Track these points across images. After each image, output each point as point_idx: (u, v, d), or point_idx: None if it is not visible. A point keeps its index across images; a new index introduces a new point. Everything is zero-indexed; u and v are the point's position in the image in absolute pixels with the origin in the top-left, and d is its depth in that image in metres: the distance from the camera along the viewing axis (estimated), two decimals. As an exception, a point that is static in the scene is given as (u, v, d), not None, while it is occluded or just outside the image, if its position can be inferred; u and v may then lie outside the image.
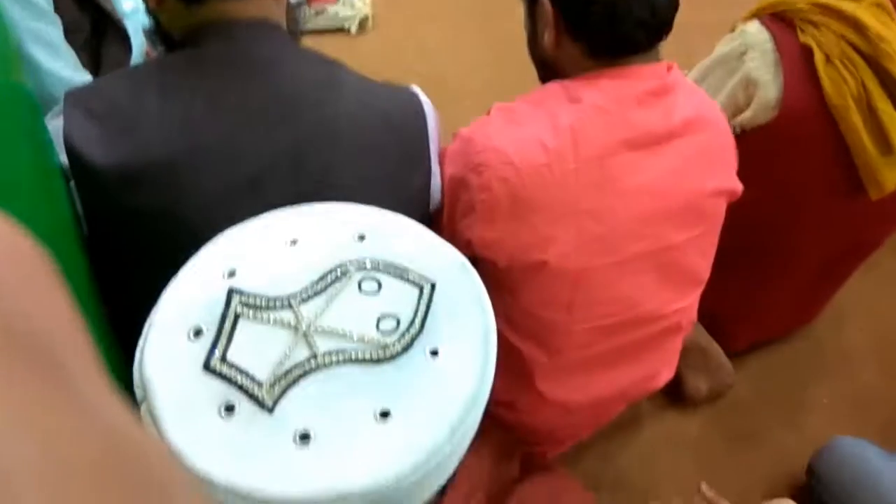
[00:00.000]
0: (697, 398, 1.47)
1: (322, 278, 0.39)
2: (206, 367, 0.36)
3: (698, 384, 1.46)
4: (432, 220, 0.89)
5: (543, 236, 0.83)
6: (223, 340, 0.37)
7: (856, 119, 1.12)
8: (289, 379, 0.36)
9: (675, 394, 1.42)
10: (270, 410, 0.35)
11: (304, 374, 0.36)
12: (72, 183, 0.70)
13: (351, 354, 0.37)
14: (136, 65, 0.72)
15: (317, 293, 0.39)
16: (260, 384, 0.36)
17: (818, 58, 1.11)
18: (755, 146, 1.13)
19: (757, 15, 1.19)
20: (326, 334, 0.37)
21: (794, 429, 1.49)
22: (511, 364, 0.99)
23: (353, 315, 0.38)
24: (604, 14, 0.81)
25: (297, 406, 0.35)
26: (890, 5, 1.11)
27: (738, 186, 0.96)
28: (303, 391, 0.36)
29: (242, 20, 0.71)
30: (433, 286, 0.40)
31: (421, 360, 0.38)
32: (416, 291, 0.40)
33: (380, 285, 0.40)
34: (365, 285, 0.40)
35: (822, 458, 1.27)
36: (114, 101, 0.69)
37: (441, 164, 0.89)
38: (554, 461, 1.20)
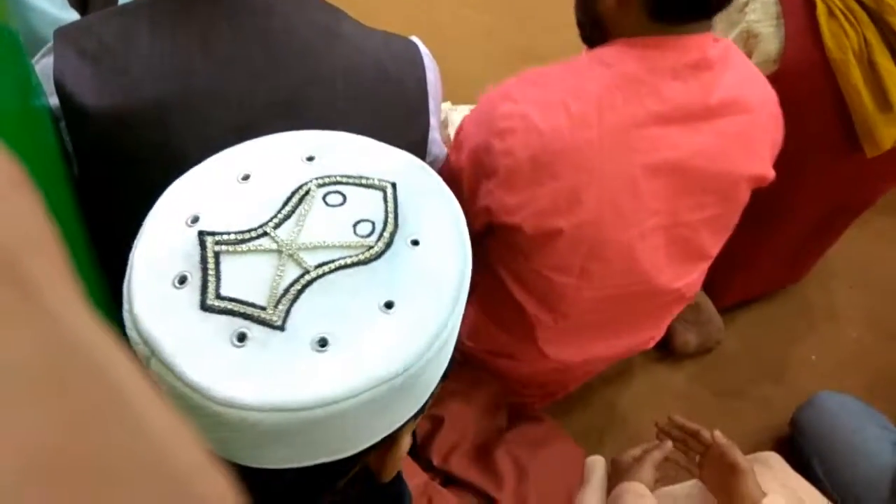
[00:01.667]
0: (686, 352, 1.49)
1: (286, 202, 0.40)
2: (204, 307, 0.36)
3: (688, 338, 1.48)
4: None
5: (562, 204, 0.82)
6: (212, 279, 0.37)
7: (855, 74, 1.10)
8: (289, 296, 0.37)
9: (664, 347, 1.44)
10: (282, 328, 0.36)
11: (303, 288, 0.37)
12: (62, 123, 0.69)
13: (340, 261, 0.38)
14: (126, 3, 0.70)
15: (286, 217, 0.40)
16: (263, 308, 0.36)
17: (820, 10, 1.09)
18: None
19: (760, -35, 1.16)
20: (310, 250, 0.39)
21: (780, 384, 1.51)
22: (516, 321, 1.00)
23: (329, 227, 0.39)
24: None
25: (306, 318, 0.36)
26: (894, -43, 1.09)
27: (770, 174, 0.94)
28: (306, 304, 0.37)
29: None
30: (394, 185, 0.42)
31: (405, 251, 0.40)
32: (379, 194, 0.41)
33: (344, 196, 0.41)
34: (330, 199, 0.41)
35: (806, 411, 1.30)
36: (105, 40, 0.67)
37: (462, 128, 0.87)
38: (542, 412, 1.22)
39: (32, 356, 0.14)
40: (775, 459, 1.18)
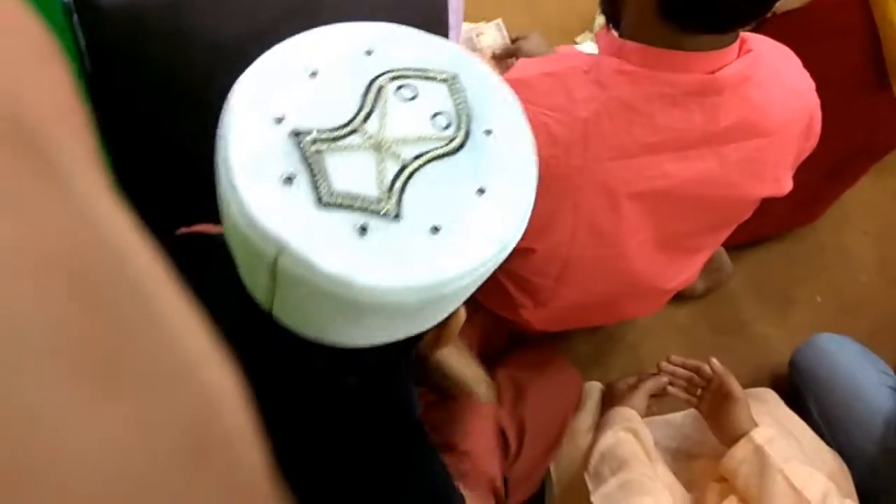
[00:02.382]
0: (693, 296, 1.48)
1: (364, 97, 0.42)
2: (321, 203, 0.39)
3: (695, 284, 1.47)
4: None
5: (537, 227, 0.79)
6: (322, 177, 0.39)
7: (892, 8, 1.06)
8: (397, 188, 0.40)
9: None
10: (398, 218, 0.39)
11: (407, 180, 0.40)
12: (75, 18, 0.68)
13: (431, 153, 0.41)
14: None
15: (370, 112, 0.42)
16: (378, 200, 0.39)
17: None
18: (785, 31, 1.07)
19: None
20: (401, 143, 0.41)
21: (783, 324, 1.51)
22: (499, 294, 0.99)
23: (411, 120, 0.42)
24: None
25: (416, 207, 0.40)
26: None
27: (786, 188, 0.88)
28: (412, 194, 0.40)
29: None
30: (455, 76, 0.44)
31: (483, 140, 0.42)
32: (444, 86, 0.43)
33: (415, 89, 0.43)
34: (403, 93, 0.43)
35: (804, 351, 1.30)
36: None
37: None
38: (542, 338, 1.23)
39: (54, 236, 0.13)
40: (771, 395, 1.20)
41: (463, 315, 0.51)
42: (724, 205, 0.86)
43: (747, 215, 0.92)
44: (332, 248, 0.38)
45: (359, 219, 0.38)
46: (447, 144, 0.41)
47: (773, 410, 1.14)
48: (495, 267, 0.42)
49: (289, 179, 0.39)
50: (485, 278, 0.43)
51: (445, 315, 0.47)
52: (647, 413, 1.07)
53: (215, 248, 0.63)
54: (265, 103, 0.41)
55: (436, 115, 0.42)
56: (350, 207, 0.39)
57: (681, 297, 1.48)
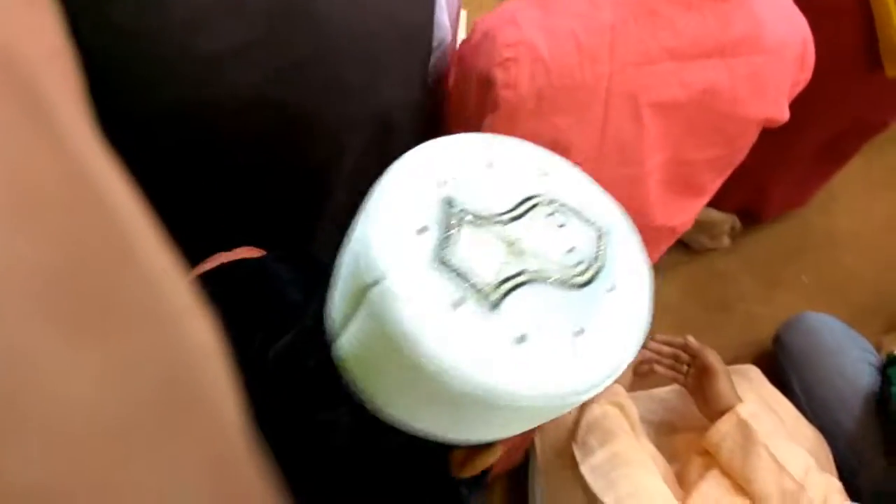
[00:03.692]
0: (700, 249, 1.50)
1: (519, 204, 0.43)
2: (439, 259, 0.39)
3: (700, 240, 1.50)
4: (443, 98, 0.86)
5: (563, 140, 0.79)
6: (452, 239, 0.40)
7: (887, -12, 1.06)
8: (508, 285, 0.40)
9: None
10: (496, 308, 0.39)
11: (520, 284, 0.40)
12: None
13: (552, 276, 0.41)
14: None
15: (518, 217, 0.43)
16: (487, 283, 0.39)
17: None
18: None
19: None
20: (532, 255, 0.42)
21: (769, 302, 1.53)
22: None
23: (549, 242, 0.42)
24: None
25: (514, 311, 0.39)
26: None
27: (784, 116, 0.90)
28: (518, 299, 0.40)
29: None
30: (607, 231, 0.45)
31: (602, 293, 0.43)
32: (594, 233, 0.45)
33: (565, 221, 0.44)
34: (553, 218, 0.44)
35: (789, 328, 1.32)
36: None
37: (462, 58, 0.82)
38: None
39: (38, 180, 0.13)
40: (755, 372, 1.21)
41: (498, 453, 0.50)
42: (732, 124, 0.87)
43: (749, 140, 0.93)
44: (420, 300, 0.38)
45: (461, 293, 0.39)
46: (570, 279, 0.42)
47: (756, 387, 1.15)
48: (550, 414, 0.42)
49: (422, 230, 0.40)
50: (536, 418, 0.43)
51: (490, 432, 0.45)
52: (631, 389, 1.08)
53: (267, 272, 0.64)
54: (437, 166, 0.44)
55: (572, 249, 0.43)
56: (461, 276, 0.39)
57: (670, 271, 1.50)
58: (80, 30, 0.64)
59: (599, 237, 0.45)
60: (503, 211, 0.43)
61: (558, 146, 0.79)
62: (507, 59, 0.73)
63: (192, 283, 0.34)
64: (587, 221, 0.45)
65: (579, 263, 0.43)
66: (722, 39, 0.79)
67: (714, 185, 0.98)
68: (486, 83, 0.76)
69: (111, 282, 0.14)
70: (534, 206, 0.44)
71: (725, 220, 1.51)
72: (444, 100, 0.91)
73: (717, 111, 0.84)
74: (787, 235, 1.61)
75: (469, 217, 0.41)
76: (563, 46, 0.74)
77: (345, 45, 0.69)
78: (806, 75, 0.92)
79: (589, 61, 0.74)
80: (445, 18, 0.77)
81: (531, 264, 0.41)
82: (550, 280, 0.41)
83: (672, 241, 1.08)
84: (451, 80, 0.87)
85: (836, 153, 1.42)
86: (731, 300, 1.53)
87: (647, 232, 0.99)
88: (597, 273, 0.43)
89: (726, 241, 1.52)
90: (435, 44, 0.78)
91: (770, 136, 1.32)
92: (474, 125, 0.84)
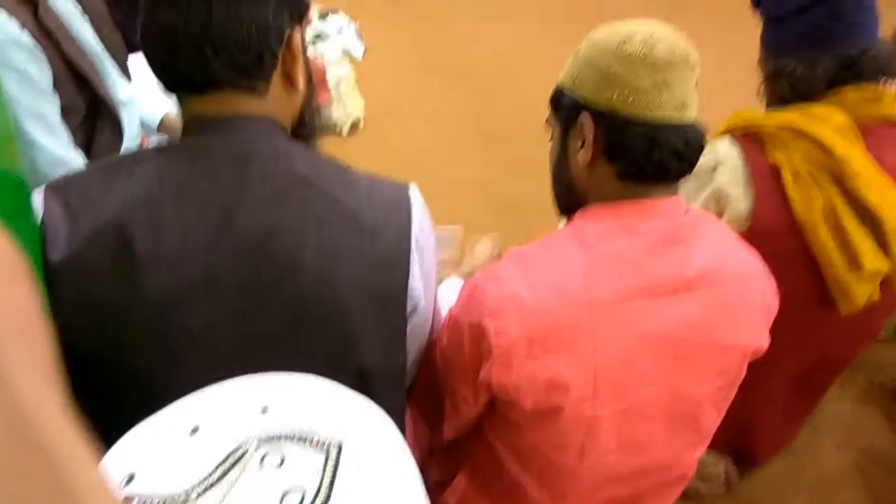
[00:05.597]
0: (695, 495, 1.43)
1: (220, 465, 0.38)
2: None
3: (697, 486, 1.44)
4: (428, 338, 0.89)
5: (560, 380, 0.81)
6: None
7: (824, 235, 1.14)
8: None
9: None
10: None
11: None
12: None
13: None
14: (121, 154, 0.73)
15: (213, 484, 0.37)
16: None
17: (786, 176, 1.15)
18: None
19: (727, 132, 1.25)
20: None
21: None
22: (514, 496, 0.97)
23: (255, 499, 0.37)
24: (644, 136, 0.82)
25: None
26: (855, 127, 1.17)
27: (764, 345, 0.94)
28: None
29: (220, 115, 0.72)
30: (339, 448, 0.40)
31: None
32: (321, 458, 0.39)
33: (283, 458, 0.39)
34: (267, 460, 0.39)
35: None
36: (87, 192, 0.69)
37: (452, 318, 0.88)
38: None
39: None
40: None
41: None
42: (715, 354, 0.88)
43: (738, 372, 0.92)
44: None
45: None
46: None
47: None
48: None
49: None
50: None
51: None
52: None
53: None
54: (130, 459, 0.39)
55: (288, 492, 0.37)
56: None
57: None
58: (64, 303, 0.67)
59: (325, 461, 0.39)
60: (199, 481, 0.37)
61: (556, 386, 0.81)
62: (496, 310, 0.80)
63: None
64: (314, 444, 0.39)
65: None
66: (686, 276, 0.84)
67: (714, 425, 0.97)
68: (479, 333, 0.81)
69: None
70: (239, 458, 0.38)
71: (717, 462, 1.47)
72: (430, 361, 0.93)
73: (698, 342, 0.86)
74: (782, 474, 1.57)
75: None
76: (544, 292, 0.80)
77: (317, 322, 0.71)
78: (774, 302, 0.95)
79: (570, 302, 0.79)
80: (420, 285, 0.79)
81: None
82: None
83: (682, 486, 1.03)
84: (444, 340, 0.90)
85: (809, 388, 1.43)
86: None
87: (655, 473, 0.95)
88: None
89: (720, 487, 1.48)
90: (409, 309, 0.78)
91: (749, 370, 1.34)
92: (470, 377, 0.86)
